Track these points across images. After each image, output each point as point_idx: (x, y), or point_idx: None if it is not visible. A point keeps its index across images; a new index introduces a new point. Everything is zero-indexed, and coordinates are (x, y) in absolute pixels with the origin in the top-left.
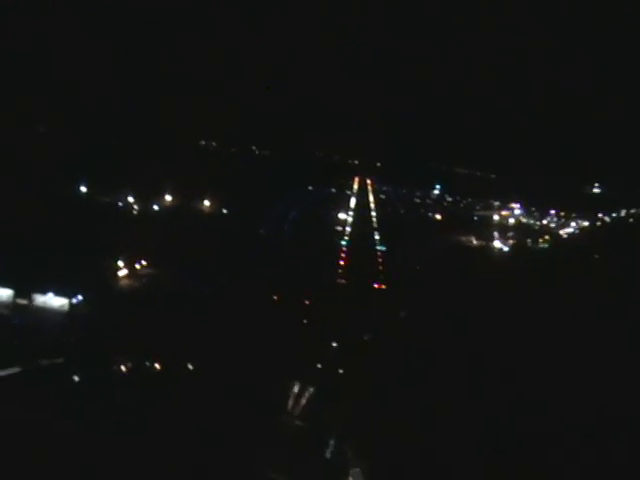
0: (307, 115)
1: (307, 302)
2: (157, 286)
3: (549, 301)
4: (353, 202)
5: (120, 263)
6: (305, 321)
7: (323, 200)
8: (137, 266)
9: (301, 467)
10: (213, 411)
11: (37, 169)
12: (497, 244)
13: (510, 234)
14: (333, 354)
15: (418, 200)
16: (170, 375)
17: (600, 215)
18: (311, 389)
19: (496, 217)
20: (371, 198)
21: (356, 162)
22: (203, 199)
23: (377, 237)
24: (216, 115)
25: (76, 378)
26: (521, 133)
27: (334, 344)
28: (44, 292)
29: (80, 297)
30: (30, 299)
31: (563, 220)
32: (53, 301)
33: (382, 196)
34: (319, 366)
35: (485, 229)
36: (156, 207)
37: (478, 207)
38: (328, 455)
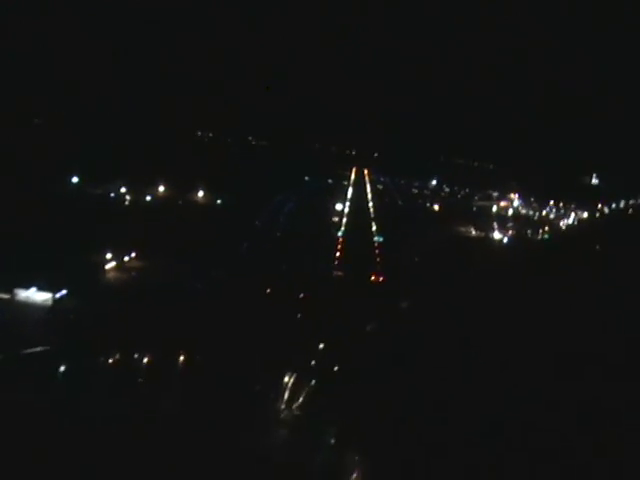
0: (307, 115)
1: (302, 295)
2: (146, 280)
3: (549, 292)
4: (350, 193)
5: (108, 256)
6: (299, 315)
7: (320, 191)
8: (126, 259)
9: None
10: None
11: (25, 165)
12: (496, 235)
13: (509, 225)
14: (323, 351)
15: (416, 191)
16: (156, 369)
17: (599, 206)
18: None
19: (495, 208)
20: (368, 188)
21: (353, 153)
22: (197, 190)
23: (374, 228)
24: (216, 115)
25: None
26: (521, 133)
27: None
28: (27, 287)
29: (64, 291)
30: (12, 293)
31: (562, 211)
32: (36, 296)
33: (379, 187)
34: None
35: (484, 220)
36: (148, 198)
37: (477, 198)
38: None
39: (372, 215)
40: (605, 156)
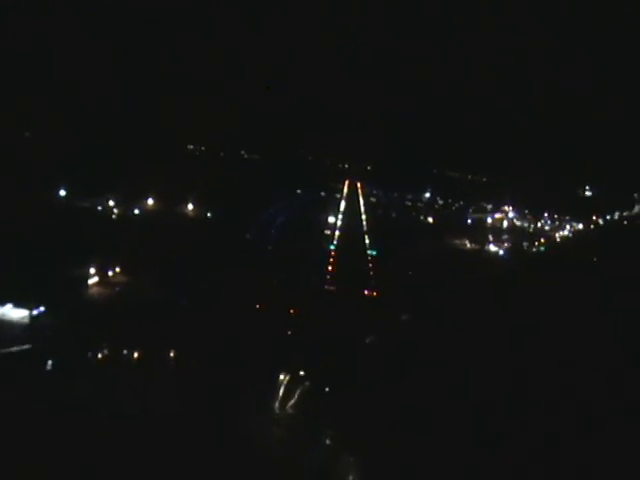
0: (307, 115)
1: (292, 311)
2: (129, 295)
3: (545, 304)
4: (343, 205)
5: (91, 270)
6: (289, 332)
7: (312, 204)
8: (109, 273)
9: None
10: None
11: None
12: (492, 247)
13: (505, 237)
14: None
15: (409, 203)
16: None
17: (594, 218)
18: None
19: (489, 220)
20: (361, 201)
21: (346, 166)
22: (187, 203)
23: (367, 241)
24: (216, 115)
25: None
26: (521, 133)
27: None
28: (2, 303)
29: (42, 308)
30: None
31: (557, 223)
32: (12, 313)
33: (373, 199)
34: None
35: (479, 232)
36: (137, 211)
37: (471, 210)
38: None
39: (365, 228)
40: (605, 156)
